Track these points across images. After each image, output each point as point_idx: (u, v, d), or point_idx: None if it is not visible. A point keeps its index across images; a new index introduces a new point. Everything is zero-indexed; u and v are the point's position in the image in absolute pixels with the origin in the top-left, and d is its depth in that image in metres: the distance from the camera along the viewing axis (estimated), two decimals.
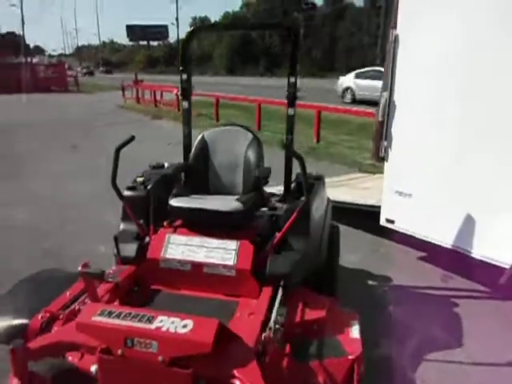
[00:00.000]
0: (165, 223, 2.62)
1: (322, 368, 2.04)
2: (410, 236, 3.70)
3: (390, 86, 3.51)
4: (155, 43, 68.21)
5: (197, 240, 2.51)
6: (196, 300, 2.40)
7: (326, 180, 5.75)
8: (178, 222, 2.66)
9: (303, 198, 2.38)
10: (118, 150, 2.49)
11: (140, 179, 2.83)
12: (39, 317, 2.14)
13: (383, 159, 3.77)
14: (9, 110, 16.05)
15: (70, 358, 2.02)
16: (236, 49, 50.45)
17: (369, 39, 43.13)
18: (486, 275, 3.23)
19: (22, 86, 22.13)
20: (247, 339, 1.91)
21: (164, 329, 1.77)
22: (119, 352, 1.77)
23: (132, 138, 2.55)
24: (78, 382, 2.00)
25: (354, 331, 2.29)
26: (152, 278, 2.51)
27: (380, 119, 3.62)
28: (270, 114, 14.02)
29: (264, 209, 2.73)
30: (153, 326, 1.78)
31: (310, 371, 2.03)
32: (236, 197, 2.62)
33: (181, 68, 3.08)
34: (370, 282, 3.54)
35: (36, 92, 22.49)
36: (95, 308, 1.90)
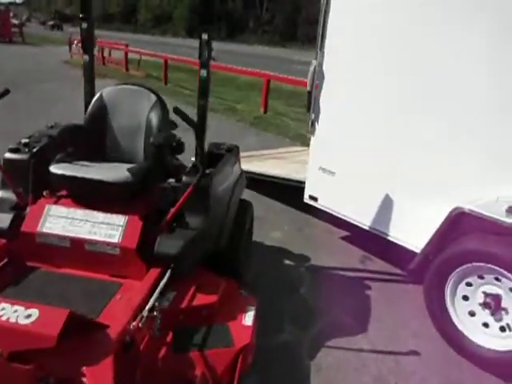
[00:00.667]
0: (44, 193, 2.29)
1: (202, 359, 1.87)
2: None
3: (318, 53, 3.26)
4: None
5: (80, 213, 2.21)
6: (75, 280, 2.13)
7: (263, 152, 5.66)
8: (63, 193, 2.34)
9: (198, 176, 2.12)
10: None
11: (25, 140, 2.45)
12: None
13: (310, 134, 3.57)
14: None
15: None
16: (196, 10, 48.29)
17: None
18: (403, 258, 3.17)
19: None
20: (112, 329, 1.68)
21: (3, 318, 1.50)
22: None
23: (7, 92, 2.17)
24: None
25: (248, 318, 2.13)
26: (28, 254, 2.20)
27: (308, 89, 3.38)
28: (225, 81, 13.55)
29: (172, 180, 2.45)
30: None
31: (188, 363, 1.85)
32: (127, 165, 2.33)
33: (81, 15, 2.68)
34: (287, 262, 3.40)
35: None
36: None
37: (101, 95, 2.61)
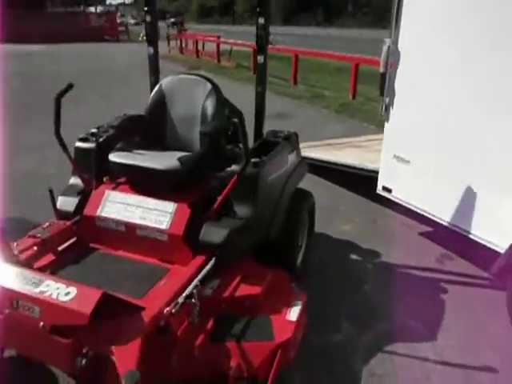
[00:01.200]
0: (104, 179, 2.42)
1: (239, 351, 1.82)
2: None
3: (393, 31, 2.96)
4: None
5: (134, 199, 2.29)
6: (128, 262, 2.23)
7: (343, 140, 5.39)
8: (121, 179, 2.45)
9: (243, 164, 2.06)
10: (57, 99, 2.26)
11: (94, 130, 2.61)
12: None
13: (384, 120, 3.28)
14: (56, 60, 16.35)
15: None
16: None
17: None
18: (488, 260, 2.78)
19: (75, 35, 22.62)
20: (147, 312, 1.71)
21: (47, 294, 1.61)
22: (7, 312, 1.64)
23: (71, 86, 2.31)
24: None
25: (293, 313, 2.03)
26: (90, 236, 2.35)
27: (381, 70, 3.10)
28: (317, 67, 13.24)
29: (229, 169, 2.42)
30: (37, 290, 1.62)
31: (225, 353, 1.81)
32: (182, 154, 2.35)
33: (145, 9, 2.76)
34: (355, 257, 3.19)
35: (88, 41, 22.80)
36: None
37: (160, 85, 2.66)
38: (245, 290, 2.08)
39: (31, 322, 1.60)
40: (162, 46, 19.71)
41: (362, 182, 4.04)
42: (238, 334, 1.89)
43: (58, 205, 2.39)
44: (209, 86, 2.55)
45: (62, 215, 2.37)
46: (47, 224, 2.33)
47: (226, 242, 2.07)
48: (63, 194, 2.44)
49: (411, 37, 2.90)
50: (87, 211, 2.32)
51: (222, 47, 15.13)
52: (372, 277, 2.94)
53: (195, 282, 1.92)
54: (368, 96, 9.18)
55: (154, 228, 2.17)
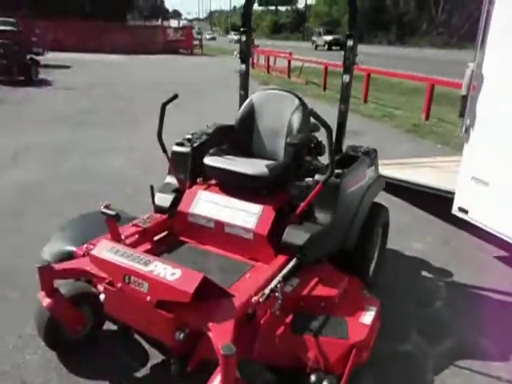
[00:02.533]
0: (198, 180, 2.70)
1: (316, 344, 1.97)
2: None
3: (477, 55, 3.00)
4: (283, 8, 67.90)
5: (224, 199, 2.54)
6: (214, 256, 2.46)
7: (416, 160, 5.38)
8: (212, 181, 2.71)
9: (327, 174, 2.22)
10: (163, 106, 2.58)
11: (189, 136, 2.92)
12: (84, 247, 2.40)
13: (463, 140, 3.30)
14: (137, 71, 17.59)
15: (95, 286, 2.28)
16: (365, 14, 47.52)
17: None
18: None
19: (154, 47, 24.36)
20: (237, 299, 1.92)
21: (155, 273, 1.87)
22: (119, 286, 1.93)
23: (175, 96, 2.63)
24: (95, 305, 2.24)
25: (367, 317, 2.15)
26: (181, 230, 2.63)
27: (463, 93, 3.14)
28: (389, 86, 13.14)
29: (309, 179, 2.61)
30: (147, 269, 1.88)
31: (304, 345, 1.97)
32: (268, 162, 2.57)
33: (241, 29, 3.05)
34: (426, 274, 3.22)
35: (165, 53, 24.35)
36: (107, 245, 2.08)
37: (251, 99, 2.92)
38: (322, 290, 2.23)
39: (140, 296, 1.87)
40: (236, 59, 20.69)
41: (435, 202, 4.05)
42: (316, 330, 2.03)
43: (156, 200, 2.70)
44: (296, 101, 2.76)
45: (158, 210, 2.67)
46: (147, 216, 2.64)
47: (307, 245, 2.24)
48: (160, 191, 2.75)
49: (497, 61, 2.93)
50: (181, 208, 2.60)
51: (293, 63, 15.48)
52: (442, 294, 2.96)
53: (279, 277, 2.11)
54: (442, 118, 8.98)
55: (241, 227, 2.40)
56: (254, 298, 1.93)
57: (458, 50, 30.85)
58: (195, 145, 2.81)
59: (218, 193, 2.59)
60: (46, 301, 2.13)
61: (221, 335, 1.71)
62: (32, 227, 3.66)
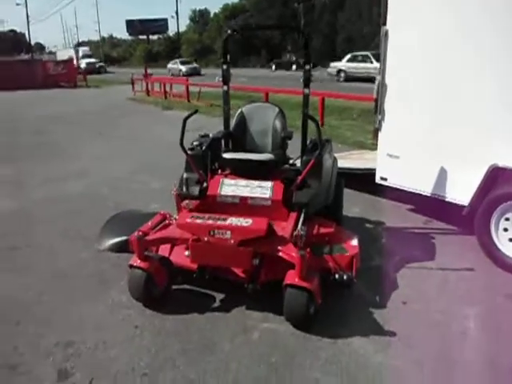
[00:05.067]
0: (219, 171, 3.64)
1: (331, 259, 3.08)
2: (399, 190, 4.70)
3: (382, 71, 4.49)
4: (155, 37, 68.83)
5: (242, 182, 3.51)
6: None
7: (343, 154, 6.86)
8: (227, 172, 3.67)
9: (315, 153, 3.37)
10: (185, 120, 3.47)
11: (196, 143, 3.82)
12: (135, 234, 3.17)
13: (377, 130, 4.76)
14: (31, 105, 16.98)
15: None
16: (237, 41, 50.96)
17: (370, 28, 43.68)
18: (456, 218, 4.22)
19: (33, 82, 23.26)
20: (286, 235, 2.95)
21: (234, 223, 2.80)
22: (205, 239, 2.81)
23: (196, 111, 3.54)
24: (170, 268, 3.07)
25: (354, 241, 3.32)
26: (212, 209, 3.51)
27: (375, 96, 4.60)
28: (279, 103, 14.91)
29: (292, 161, 3.75)
30: (227, 222, 2.81)
31: (324, 261, 3.06)
32: (267, 154, 3.64)
33: (222, 60, 4.08)
34: (368, 225, 4.55)
35: (46, 88, 23.43)
36: (187, 215, 2.94)
37: (241, 111, 3.96)
38: (323, 230, 3.35)
39: (224, 242, 2.79)
40: (124, 89, 20.99)
41: (361, 182, 5.46)
42: (328, 252, 3.15)
43: (189, 191, 3.55)
44: (277, 109, 3.89)
45: (192, 197, 3.53)
46: (187, 202, 3.47)
47: (310, 201, 3.34)
48: (187, 185, 3.61)
49: (394, 74, 4.43)
50: (210, 192, 3.50)
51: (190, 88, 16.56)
52: (383, 234, 4.31)
53: (300, 224, 3.17)
54: (332, 124, 10.91)
55: (261, 198, 3.39)
56: (295, 233, 2.97)
57: (323, 68, 35.18)
58: (204, 148, 3.74)
59: (236, 178, 3.56)
60: (143, 263, 2.91)
61: (289, 250, 2.74)
62: None
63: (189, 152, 3.70)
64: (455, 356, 2.55)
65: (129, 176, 6.56)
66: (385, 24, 4.51)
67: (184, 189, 3.56)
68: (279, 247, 2.84)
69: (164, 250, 3.30)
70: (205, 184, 3.57)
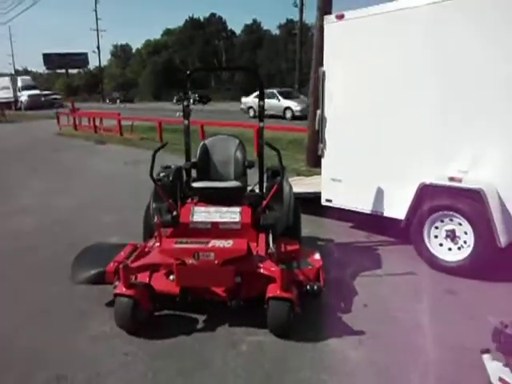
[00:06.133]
0: (189, 200, 3.90)
1: (301, 273, 3.46)
2: (343, 210, 5.27)
3: (321, 106, 5.10)
4: (75, 71, 66.93)
5: (212, 208, 3.80)
6: None
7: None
8: (196, 200, 3.95)
9: (277, 179, 3.78)
10: (154, 153, 3.73)
11: (162, 174, 4.06)
12: (111, 265, 3.33)
13: (320, 157, 5.34)
14: None
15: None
16: (160, 75, 51.40)
17: (287, 64, 46.59)
18: (393, 231, 4.84)
19: None
20: (262, 253, 3.29)
21: (217, 245, 3.09)
22: (190, 262, 3.05)
23: (165, 144, 3.81)
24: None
25: (317, 255, 3.75)
26: (185, 235, 3.72)
27: (316, 128, 5.20)
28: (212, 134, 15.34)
29: (251, 188, 4.17)
30: (210, 245, 3.09)
31: (295, 274, 3.43)
32: (233, 181, 3.99)
33: (183, 97, 4.40)
34: (320, 243, 5.03)
35: None
36: (170, 241, 3.16)
37: (204, 143, 4.29)
38: (290, 247, 3.74)
39: (208, 263, 3.05)
40: (47, 123, 20.19)
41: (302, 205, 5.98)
42: (297, 266, 3.53)
43: (161, 219, 3.75)
44: (237, 141, 4.27)
45: (165, 225, 3.73)
46: (165, 230, 3.67)
47: (276, 223, 3.72)
48: (157, 214, 3.81)
49: (332, 107, 5.07)
50: (183, 219, 3.73)
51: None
52: (334, 249, 4.80)
53: (270, 243, 3.52)
54: (267, 154, 11.54)
55: (232, 222, 3.70)
56: (269, 251, 3.33)
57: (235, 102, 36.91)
58: (171, 178, 3.99)
59: (206, 205, 3.84)
60: (129, 291, 3.05)
61: (269, 266, 3.08)
62: None
63: (158, 183, 3.93)
64: (417, 343, 3.03)
65: (77, 211, 6.49)
66: (322, 65, 5.18)
67: (156, 218, 3.75)
68: (259, 264, 3.17)
69: (143, 277, 3.45)
70: (175, 212, 3.80)
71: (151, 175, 3.74)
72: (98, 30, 54.29)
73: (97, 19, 54.73)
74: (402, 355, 2.90)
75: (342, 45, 4.99)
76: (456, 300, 3.64)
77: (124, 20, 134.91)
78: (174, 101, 37.44)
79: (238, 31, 57.68)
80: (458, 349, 2.92)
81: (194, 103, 28.95)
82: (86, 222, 5.98)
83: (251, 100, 22.54)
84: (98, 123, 17.31)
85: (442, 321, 3.32)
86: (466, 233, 4.00)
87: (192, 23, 55.45)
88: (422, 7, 4.23)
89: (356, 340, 3.07)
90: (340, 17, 4.96)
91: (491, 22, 3.81)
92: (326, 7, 8.03)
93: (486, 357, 2.58)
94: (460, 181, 3.98)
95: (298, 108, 20.68)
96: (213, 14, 56.62)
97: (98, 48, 55.52)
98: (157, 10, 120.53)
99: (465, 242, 4.02)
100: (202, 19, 56.48)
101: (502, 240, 3.74)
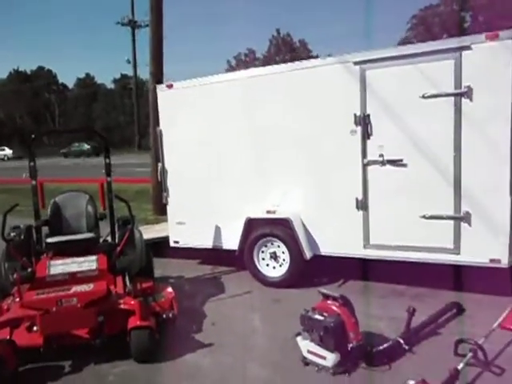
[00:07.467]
0: (44, 255, 4.15)
1: (157, 305, 4.06)
2: (192, 249, 6.03)
3: (162, 159, 5.91)
4: None
5: (68, 260, 4.13)
6: None
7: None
8: (50, 255, 4.23)
9: (128, 227, 4.36)
10: (5, 214, 3.95)
11: (13, 234, 4.23)
12: None
13: (166, 205, 6.07)
14: None
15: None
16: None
17: (125, 117, 46.69)
18: (232, 261, 5.78)
19: None
20: (120, 292, 3.79)
21: (78, 290, 3.50)
22: (54, 309, 3.38)
23: (16, 205, 4.04)
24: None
25: (169, 289, 4.40)
26: (43, 288, 3.94)
27: (159, 179, 5.97)
28: (49, 192, 14.61)
29: (104, 238, 4.62)
30: (71, 291, 3.48)
31: (152, 307, 4.00)
32: (86, 234, 4.40)
33: (29, 159, 4.65)
34: (172, 280, 5.65)
35: None
36: (31, 293, 3.43)
37: (54, 201, 4.61)
38: (145, 285, 4.30)
39: (71, 308, 3.44)
40: None
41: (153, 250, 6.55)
42: (153, 300, 4.10)
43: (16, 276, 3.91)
44: (87, 196, 4.71)
45: (23, 281, 3.89)
46: (23, 286, 3.83)
47: (130, 266, 4.26)
48: (11, 273, 3.97)
49: (170, 161, 5.90)
50: (39, 274, 3.97)
51: None
52: (185, 284, 5.48)
53: (127, 283, 4.03)
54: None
55: (89, 270, 4.08)
56: (127, 290, 3.85)
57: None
58: (22, 237, 4.22)
59: (62, 258, 4.14)
60: None
61: (128, 301, 3.61)
62: None
63: (10, 243, 4.10)
64: (253, 342, 3.90)
65: None
66: (158, 125, 6.03)
67: (14, 275, 3.88)
68: (119, 301, 3.66)
69: (3, 334, 3.55)
70: (29, 269, 4.01)
71: (2, 235, 3.92)
72: None
73: None
74: (242, 353, 3.71)
75: (173, 108, 5.92)
76: (280, 305, 4.68)
77: None
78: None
79: (70, 85, 55.68)
80: (282, 340, 3.85)
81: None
82: None
83: None
84: None
85: (270, 322, 4.28)
86: (283, 252, 5.15)
87: (18, 76, 51.56)
88: (235, 80, 5.48)
89: (207, 350, 3.76)
90: (169, 86, 5.93)
91: (285, 97, 5.17)
92: (157, 73, 9.04)
93: (298, 338, 3.56)
94: (274, 212, 5.15)
95: None
96: (41, 67, 53.76)
97: None
98: None
99: (284, 260, 5.16)
100: (28, 72, 53.04)
101: (308, 254, 4.98)
